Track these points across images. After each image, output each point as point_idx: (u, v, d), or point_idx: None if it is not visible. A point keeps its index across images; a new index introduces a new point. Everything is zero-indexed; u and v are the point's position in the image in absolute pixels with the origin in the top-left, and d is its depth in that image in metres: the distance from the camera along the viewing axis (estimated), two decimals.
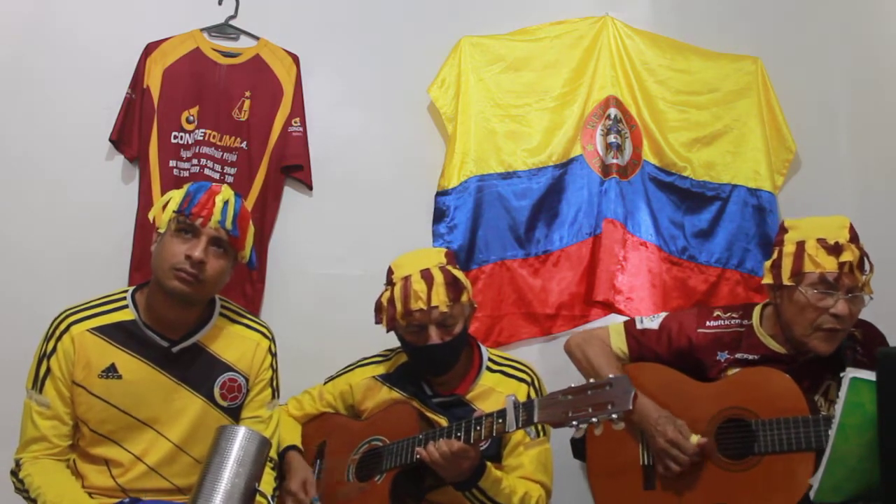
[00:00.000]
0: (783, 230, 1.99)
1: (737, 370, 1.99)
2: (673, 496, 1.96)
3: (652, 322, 2.14)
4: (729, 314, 2.09)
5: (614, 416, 1.52)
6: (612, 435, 1.86)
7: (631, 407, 1.51)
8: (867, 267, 1.91)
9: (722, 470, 1.91)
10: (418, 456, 1.77)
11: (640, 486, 2.01)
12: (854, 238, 1.90)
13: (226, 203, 1.81)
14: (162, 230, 1.80)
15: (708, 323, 2.07)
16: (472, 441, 1.73)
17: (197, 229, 1.78)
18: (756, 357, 1.99)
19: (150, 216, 1.87)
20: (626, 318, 2.26)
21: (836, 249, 1.86)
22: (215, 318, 1.90)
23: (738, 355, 2.01)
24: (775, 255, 1.97)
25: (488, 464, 1.82)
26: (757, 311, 2.08)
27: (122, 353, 1.80)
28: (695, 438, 1.90)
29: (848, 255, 1.86)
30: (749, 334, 2.03)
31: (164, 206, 1.82)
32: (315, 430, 2.12)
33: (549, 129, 2.70)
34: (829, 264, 1.86)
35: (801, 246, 1.90)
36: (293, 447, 2.04)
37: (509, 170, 2.67)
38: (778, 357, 1.98)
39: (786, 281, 1.91)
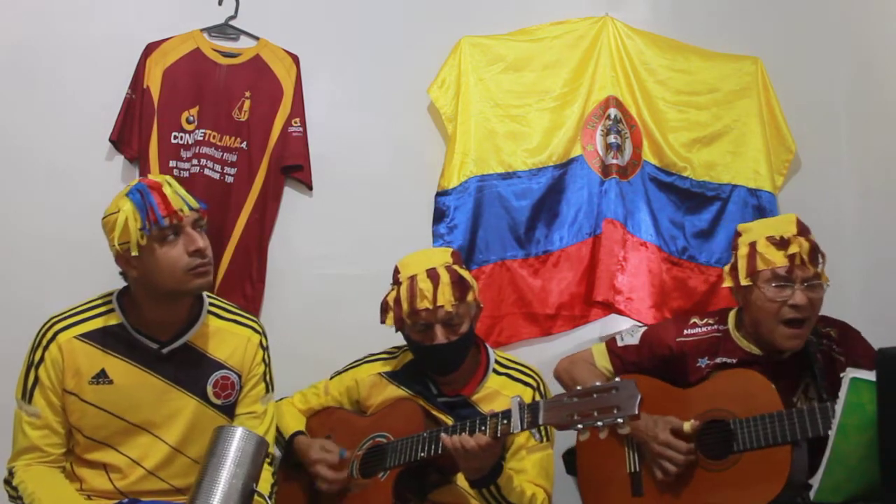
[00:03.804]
0: (737, 234, 2.07)
1: (717, 375, 2.04)
2: (660, 500, 1.99)
3: (632, 338, 2.21)
4: (705, 321, 2.15)
5: (619, 420, 1.51)
6: (598, 445, 1.91)
7: (637, 412, 1.50)
8: (819, 257, 1.98)
9: (705, 471, 1.95)
10: (443, 444, 1.75)
11: (628, 493, 2.05)
12: (802, 231, 1.98)
13: (174, 189, 1.75)
14: (135, 252, 1.70)
15: (686, 331, 2.14)
16: None
17: (178, 227, 1.74)
18: (734, 360, 2.05)
19: (116, 246, 1.74)
20: (607, 338, 2.31)
21: (783, 244, 1.95)
22: (203, 316, 1.87)
23: (718, 360, 2.07)
24: (732, 260, 2.05)
25: (503, 462, 1.83)
26: (732, 315, 2.13)
27: (111, 358, 1.78)
28: (688, 425, 1.94)
29: (795, 248, 1.94)
30: (726, 339, 2.09)
31: (122, 231, 1.70)
32: (319, 425, 2.12)
33: (549, 129, 2.70)
34: (779, 259, 1.94)
35: (752, 246, 1.99)
36: (299, 432, 2.05)
37: (509, 170, 2.66)
38: (755, 359, 2.04)
39: (743, 282, 1.99)
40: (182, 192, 1.77)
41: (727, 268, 2.07)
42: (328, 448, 1.95)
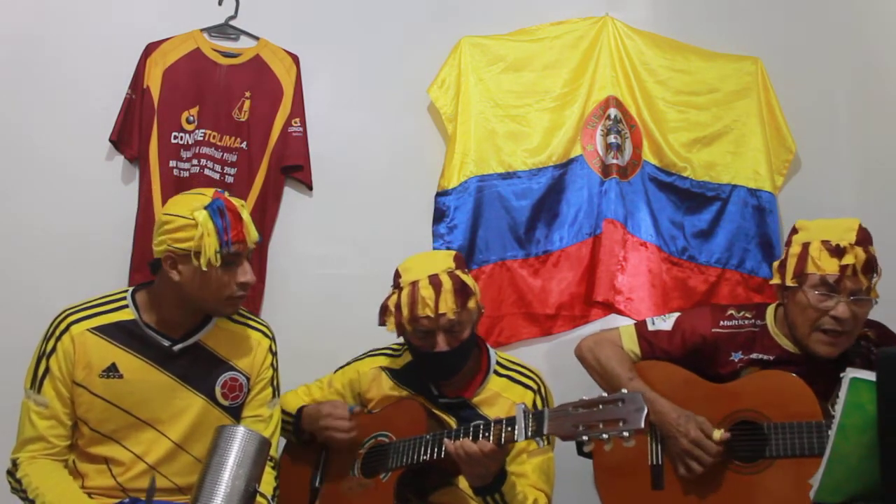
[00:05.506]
0: (794, 231, 1.99)
1: (750, 371, 1.98)
2: (681, 496, 1.95)
3: (664, 323, 2.12)
4: (742, 313, 2.07)
5: (625, 434, 1.49)
6: None
7: (643, 426, 1.48)
8: (874, 271, 1.89)
9: (732, 472, 1.90)
10: (446, 449, 1.75)
11: (647, 485, 1.99)
12: (862, 241, 1.89)
13: (248, 218, 1.79)
14: (205, 268, 1.72)
15: (722, 322, 2.06)
16: None
17: (240, 257, 1.78)
18: (771, 358, 1.98)
19: (182, 247, 1.73)
20: (635, 321, 2.24)
21: (838, 252, 1.87)
22: (216, 317, 1.89)
23: (754, 355, 2.00)
24: (783, 256, 1.98)
25: (507, 469, 1.82)
26: (771, 310, 2.06)
27: (122, 353, 1.80)
28: (717, 434, 1.89)
29: (850, 258, 1.85)
30: (764, 334, 2.02)
31: (197, 242, 1.72)
32: None
33: (549, 129, 2.70)
34: (831, 266, 1.86)
35: (805, 247, 1.91)
36: (305, 406, 2.05)
37: (509, 170, 2.67)
38: (793, 358, 1.97)
39: (789, 281, 1.92)
40: (251, 223, 1.80)
41: (776, 264, 1.99)
42: (337, 405, 1.97)
